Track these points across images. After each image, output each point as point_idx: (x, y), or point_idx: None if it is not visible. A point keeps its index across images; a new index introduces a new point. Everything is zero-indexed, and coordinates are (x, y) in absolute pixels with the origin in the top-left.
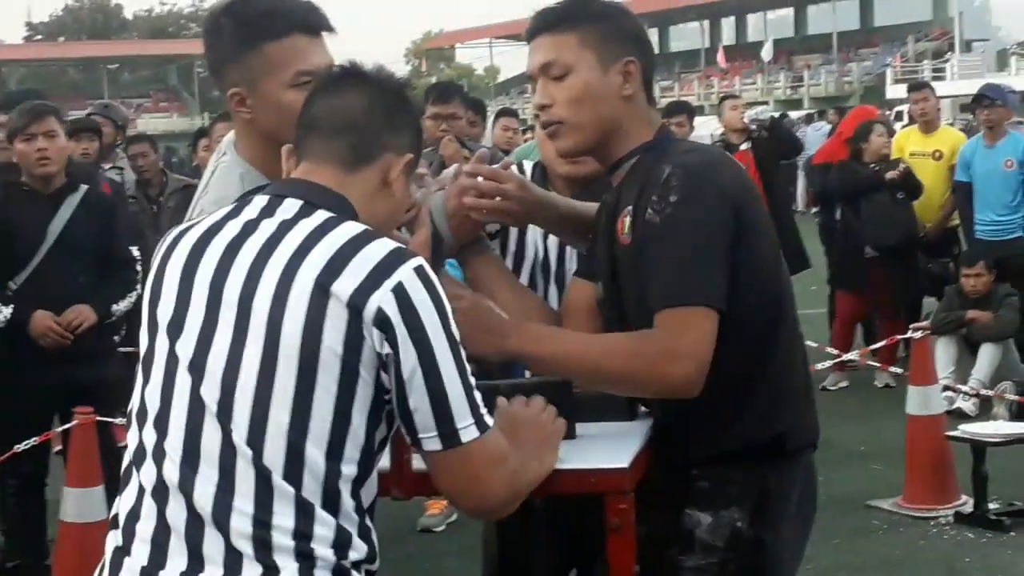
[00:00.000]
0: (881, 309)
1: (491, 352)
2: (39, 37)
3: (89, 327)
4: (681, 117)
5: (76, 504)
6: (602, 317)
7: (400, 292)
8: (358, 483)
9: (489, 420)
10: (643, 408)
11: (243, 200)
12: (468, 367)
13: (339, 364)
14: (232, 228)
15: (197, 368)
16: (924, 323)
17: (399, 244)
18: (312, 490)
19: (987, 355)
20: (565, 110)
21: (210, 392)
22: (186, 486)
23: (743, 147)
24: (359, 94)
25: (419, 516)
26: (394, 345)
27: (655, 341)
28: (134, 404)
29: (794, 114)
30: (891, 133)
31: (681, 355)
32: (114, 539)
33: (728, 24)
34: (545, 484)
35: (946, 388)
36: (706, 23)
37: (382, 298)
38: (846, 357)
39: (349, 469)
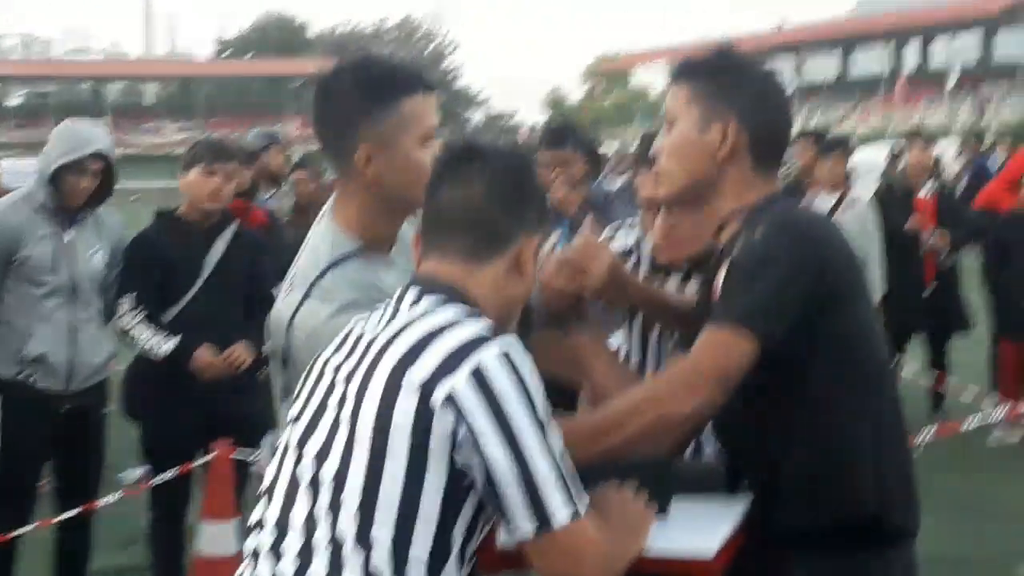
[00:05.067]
0: None
1: None
2: (227, 53)
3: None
4: (838, 152)
5: (210, 538)
6: None
7: (479, 376)
8: (433, 565)
9: (583, 507)
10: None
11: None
12: (560, 451)
13: (407, 446)
14: (369, 323)
15: (299, 449)
16: None
17: (485, 330)
18: (383, 560)
19: None
20: (664, 159)
21: (304, 470)
22: (275, 551)
23: (922, 193)
24: (481, 182)
25: None
26: (471, 428)
27: (671, 378)
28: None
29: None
30: None
31: (699, 382)
32: None
33: (912, 51)
34: (631, 570)
35: None
36: (891, 46)
37: (456, 381)
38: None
39: (420, 551)
